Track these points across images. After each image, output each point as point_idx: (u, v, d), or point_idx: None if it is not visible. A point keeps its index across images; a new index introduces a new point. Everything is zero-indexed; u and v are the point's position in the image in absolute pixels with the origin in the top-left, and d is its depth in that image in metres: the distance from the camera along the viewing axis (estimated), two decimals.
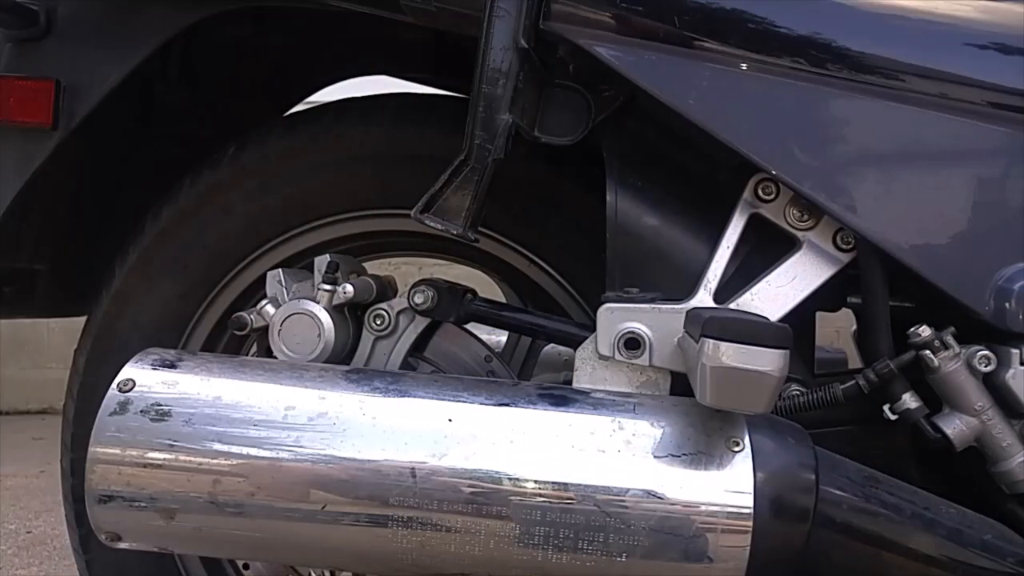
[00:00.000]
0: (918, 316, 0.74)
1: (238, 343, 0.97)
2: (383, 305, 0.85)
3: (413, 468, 0.66)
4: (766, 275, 0.75)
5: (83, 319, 1.00)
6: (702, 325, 0.60)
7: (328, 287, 0.81)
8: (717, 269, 0.76)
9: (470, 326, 0.90)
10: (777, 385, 0.58)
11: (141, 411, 0.69)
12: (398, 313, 0.85)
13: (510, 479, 0.65)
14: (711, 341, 0.58)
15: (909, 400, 0.73)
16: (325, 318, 0.81)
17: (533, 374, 1.17)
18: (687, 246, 0.78)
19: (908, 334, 0.73)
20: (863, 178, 0.72)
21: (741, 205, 0.76)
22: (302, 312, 0.81)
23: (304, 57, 1.20)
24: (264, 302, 0.84)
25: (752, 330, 0.58)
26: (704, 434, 0.66)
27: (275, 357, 0.82)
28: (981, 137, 0.71)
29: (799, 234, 0.76)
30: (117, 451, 0.68)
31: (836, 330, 1.39)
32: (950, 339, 0.72)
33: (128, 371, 0.72)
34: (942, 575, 0.68)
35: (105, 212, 1.06)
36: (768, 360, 0.57)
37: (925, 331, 0.72)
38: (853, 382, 0.74)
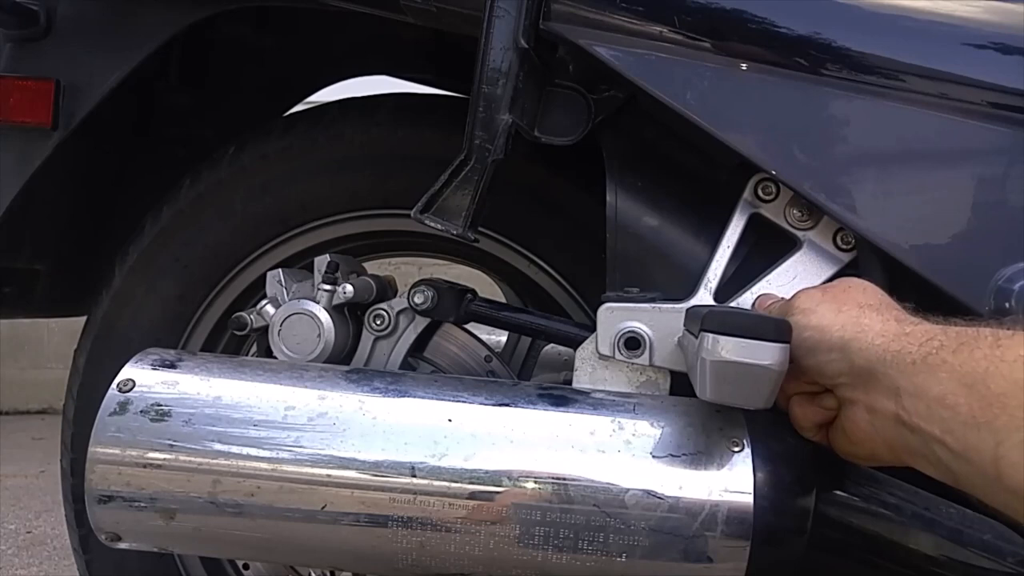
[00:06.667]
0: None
1: (238, 343, 0.97)
2: (383, 305, 0.85)
3: (413, 468, 0.66)
4: (766, 275, 0.75)
5: (83, 319, 1.00)
6: (701, 320, 0.60)
7: (328, 287, 0.81)
8: (717, 269, 0.76)
9: (470, 326, 0.90)
10: (778, 379, 0.58)
11: (141, 411, 0.69)
12: (398, 313, 0.85)
13: (510, 479, 0.65)
14: (711, 335, 0.58)
15: None
16: (325, 318, 0.81)
17: (533, 374, 1.17)
18: (687, 246, 0.78)
19: None
20: (863, 178, 0.72)
21: (741, 205, 0.76)
22: (302, 312, 0.81)
23: (304, 57, 1.20)
24: (264, 302, 0.84)
25: (752, 324, 0.58)
26: (704, 434, 0.66)
27: (275, 357, 0.82)
28: (981, 137, 0.71)
29: (799, 234, 0.76)
30: (117, 451, 0.68)
31: None
32: None
33: (128, 371, 0.72)
34: (942, 575, 0.68)
35: (105, 212, 1.06)
36: (768, 354, 0.57)
37: None
38: None
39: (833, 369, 0.59)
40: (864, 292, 0.63)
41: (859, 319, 0.59)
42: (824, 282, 0.74)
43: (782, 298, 0.70)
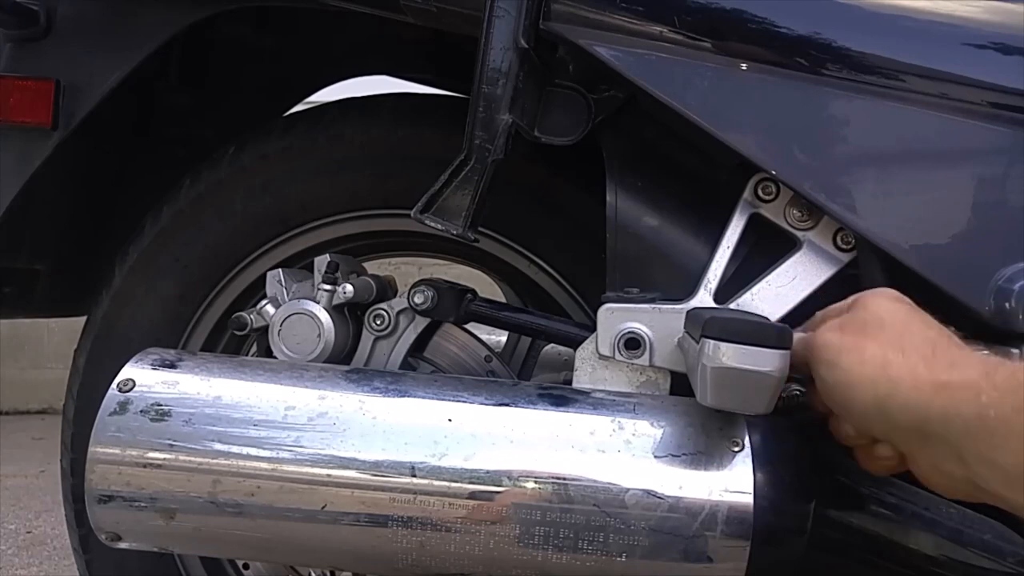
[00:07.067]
0: None
1: (238, 343, 0.97)
2: (383, 305, 0.85)
3: (413, 468, 0.66)
4: (766, 275, 0.75)
5: (83, 319, 1.00)
6: (702, 325, 0.60)
7: (328, 287, 0.81)
8: (717, 269, 0.76)
9: (470, 326, 0.90)
10: (778, 385, 0.58)
11: (141, 411, 0.69)
12: (398, 313, 0.85)
13: (510, 479, 0.65)
14: (711, 341, 0.58)
15: None
16: (325, 318, 0.81)
17: (533, 374, 1.17)
18: (687, 246, 0.78)
19: None
20: (863, 178, 0.72)
21: (741, 205, 0.76)
22: (302, 312, 0.81)
23: (304, 57, 1.20)
24: (264, 302, 0.84)
25: (753, 330, 0.58)
26: (704, 434, 0.66)
27: (275, 357, 0.82)
28: (981, 137, 0.71)
29: (799, 234, 0.76)
30: (117, 451, 0.68)
31: None
32: None
33: (128, 371, 0.72)
34: (942, 575, 0.68)
35: (105, 212, 1.06)
36: (769, 360, 0.57)
37: None
38: None
39: (878, 429, 0.57)
40: (882, 326, 0.58)
41: (886, 370, 0.55)
42: (824, 283, 0.74)
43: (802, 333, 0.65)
